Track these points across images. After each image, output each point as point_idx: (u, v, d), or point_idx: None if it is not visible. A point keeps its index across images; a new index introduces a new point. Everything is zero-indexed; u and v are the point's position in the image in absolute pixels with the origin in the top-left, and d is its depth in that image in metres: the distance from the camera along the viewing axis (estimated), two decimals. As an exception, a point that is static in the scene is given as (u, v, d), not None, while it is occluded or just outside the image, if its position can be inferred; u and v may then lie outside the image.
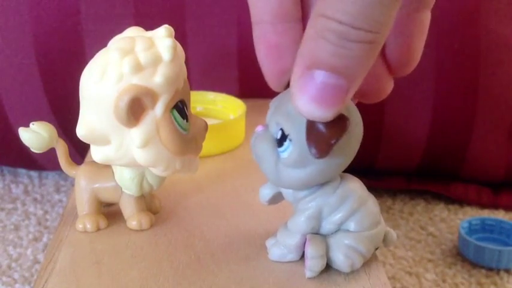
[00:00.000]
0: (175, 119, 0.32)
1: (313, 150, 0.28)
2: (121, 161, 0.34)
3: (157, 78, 0.31)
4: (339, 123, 0.28)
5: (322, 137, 0.28)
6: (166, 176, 0.35)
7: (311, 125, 0.29)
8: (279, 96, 0.31)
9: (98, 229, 0.37)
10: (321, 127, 0.28)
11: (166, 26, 0.33)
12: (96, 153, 0.34)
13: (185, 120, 0.33)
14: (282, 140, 0.30)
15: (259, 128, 0.32)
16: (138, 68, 0.31)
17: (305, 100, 0.26)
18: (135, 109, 0.31)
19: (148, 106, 0.32)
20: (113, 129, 0.32)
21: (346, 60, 0.25)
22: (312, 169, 0.30)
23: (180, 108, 0.33)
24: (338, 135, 0.28)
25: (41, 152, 0.36)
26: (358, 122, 0.30)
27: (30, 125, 0.35)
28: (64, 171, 0.38)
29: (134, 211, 0.37)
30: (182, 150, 0.33)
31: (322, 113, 0.26)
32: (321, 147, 0.28)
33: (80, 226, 0.37)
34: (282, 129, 0.30)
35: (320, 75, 0.25)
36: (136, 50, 0.31)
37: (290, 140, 0.30)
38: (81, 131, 0.33)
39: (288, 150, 0.30)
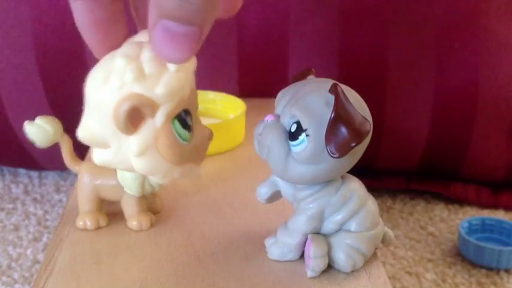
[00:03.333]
0: (175, 129, 0.32)
1: (333, 150, 0.28)
2: (119, 166, 0.34)
3: (159, 89, 0.31)
4: (361, 127, 0.28)
5: (344, 139, 0.28)
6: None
7: (333, 125, 0.28)
8: (291, 87, 0.31)
9: (98, 227, 0.37)
10: (344, 129, 0.28)
11: None
12: (96, 156, 0.34)
13: (187, 131, 0.32)
14: (296, 134, 0.30)
15: (269, 118, 0.32)
16: (140, 77, 0.31)
17: (162, 48, 0.28)
18: (133, 118, 0.31)
19: (147, 115, 0.31)
20: (112, 134, 0.32)
21: (191, 12, 0.27)
22: (323, 167, 0.30)
23: (182, 118, 0.32)
24: (359, 138, 0.28)
25: (46, 146, 0.36)
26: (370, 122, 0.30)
27: (36, 119, 0.35)
28: (68, 166, 0.38)
29: (135, 211, 0.37)
30: (181, 160, 0.33)
31: (179, 58, 0.28)
32: (341, 148, 0.28)
33: (80, 223, 0.37)
34: (297, 123, 0.30)
35: (170, 25, 0.27)
36: (142, 59, 0.31)
37: (307, 135, 0.29)
38: (81, 133, 0.33)
39: (302, 145, 0.30)
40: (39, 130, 0.35)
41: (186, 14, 0.27)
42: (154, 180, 0.34)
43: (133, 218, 0.37)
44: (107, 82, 0.31)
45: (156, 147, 0.32)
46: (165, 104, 0.31)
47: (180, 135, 0.32)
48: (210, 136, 0.34)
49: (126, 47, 0.32)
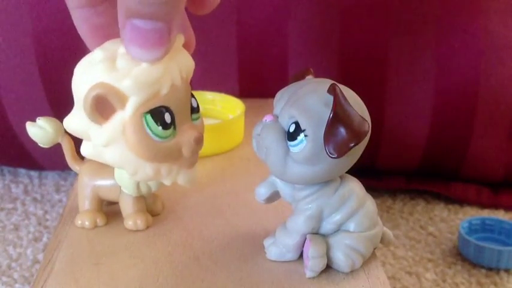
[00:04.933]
0: (147, 123, 0.31)
1: (331, 151, 0.28)
2: (99, 158, 0.33)
3: (128, 80, 0.30)
4: (359, 127, 0.28)
5: (343, 139, 0.28)
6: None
7: (332, 125, 0.28)
8: (290, 87, 0.31)
9: (95, 226, 0.37)
10: (342, 130, 0.28)
11: None
12: (82, 148, 0.34)
13: (161, 128, 0.32)
14: (295, 134, 0.30)
15: (267, 118, 0.32)
16: (111, 69, 0.31)
17: (134, 48, 0.29)
18: (102, 107, 0.31)
19: (116, 106, 0.31)
20: (87, 125, 0.32)
21: (155, 7, 0.27)
22: (321, 167, 0.30)
23: (158, 114, 0.31)
24: (358, 139, 0.28)
25: (48, 146, 0.36)
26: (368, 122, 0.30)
27: (37, 120, 0.36)
28: (69, 166, 0.38)
29: (132, 211, 0.37)
30: (151, 157, 0.32)
31: (152, 56, 0.29)
32: (340, 149, 0.28)
33: (78, 222, 0.37)
34: (296, 123, 0.30)
35: (138, 23, 0.28)
36: (118, 53, 0.31)
37: (305, 136, 0.29)
38: (66, 123, 0.33)
39: (300, 146, 0.30)
40: (40, 131, 0.36)
41: (150, 10, 0.27)
42: (129, 175, 0.34)
43: (129, 218, 0.37)
44: (83, 73, 0.32)
45: (123, 139, 0.32)
46: (134, 96, 0.31)
47: (152, 131, 0.31)
48: (196, 139, 0.33)
49: (110, 42, 0.32)
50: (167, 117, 0.32)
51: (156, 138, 0.32)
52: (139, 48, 0.29)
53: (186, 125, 0.33)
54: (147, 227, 0.37)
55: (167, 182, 0.34)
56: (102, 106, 0.31)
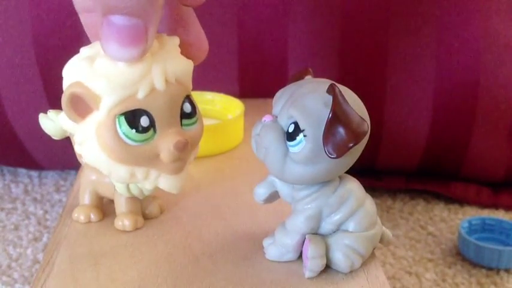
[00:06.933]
0: (120, 125, 0.31)
1: (330, 151, 0.28)
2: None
3: (101, 80, 0.31)
4: (358, 127, 0.28)
5: (342, 139, 0.28)
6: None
7: (331, 125, 0.29)
8: (290, 87, 0.31)
9: (89, 221, 0.37)
10: (341, 130, 0.28)
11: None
12: (75, 145, 0.35)
13: (134, 131, 0.31)
14: (294, 134, 0.30)
15: (266, 118, 0.32)
16: (88, 68, 0.31)
17: (110, 45, 0.28)
18: (77, 105, 0.31)
19: (91, 106, 0.31)
20: (70, 123, 0.33)
21: (131, 3, 0.27)
22: (320, 167, 0.30)
23: (133, 117, 0.31)
24: (357, 139, 0.28)
25: (59, 138, 0.37)
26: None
27: (48, 112, 0.36)
28: (78, 159, 0.38)
29: (123, 211, 0.37)
30: (123, 159, 0.32)
31: (127, 54, 0.28)
32: (339, 149, 0.28)
33: (75, 215, 0.38)
34: (295, 123, 0.30)
35: (115, 19, 0.27)
36: (100, 53, 0.31)
37: (304, 136, 0.29)
38: (60, 119, 0.34)
39: (299, 146, 0.30)
40: (52, 123, 0.36)
41: (126, 5, 0.27)
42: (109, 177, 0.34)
43: (119, 218, 0.37)
44: (69, 71, 0.32)
45: (96, 139, 0.32)
46: (107, 97, 0.31)
47: (124, 134, 0.31)
48: (177, 146, 0.32)
49: (95, 43, 0.33)
50: (144, 121, 0.31)
51: (129, 141, 0.32)
52: (114, 45, 0.28)
53: (171, 129, 0.33)
54: (136, 229, 0.37)
55: (147, 186, 0.34)
56: (79, 105, 0.31)
